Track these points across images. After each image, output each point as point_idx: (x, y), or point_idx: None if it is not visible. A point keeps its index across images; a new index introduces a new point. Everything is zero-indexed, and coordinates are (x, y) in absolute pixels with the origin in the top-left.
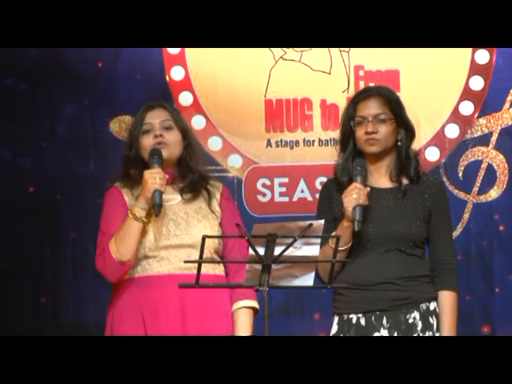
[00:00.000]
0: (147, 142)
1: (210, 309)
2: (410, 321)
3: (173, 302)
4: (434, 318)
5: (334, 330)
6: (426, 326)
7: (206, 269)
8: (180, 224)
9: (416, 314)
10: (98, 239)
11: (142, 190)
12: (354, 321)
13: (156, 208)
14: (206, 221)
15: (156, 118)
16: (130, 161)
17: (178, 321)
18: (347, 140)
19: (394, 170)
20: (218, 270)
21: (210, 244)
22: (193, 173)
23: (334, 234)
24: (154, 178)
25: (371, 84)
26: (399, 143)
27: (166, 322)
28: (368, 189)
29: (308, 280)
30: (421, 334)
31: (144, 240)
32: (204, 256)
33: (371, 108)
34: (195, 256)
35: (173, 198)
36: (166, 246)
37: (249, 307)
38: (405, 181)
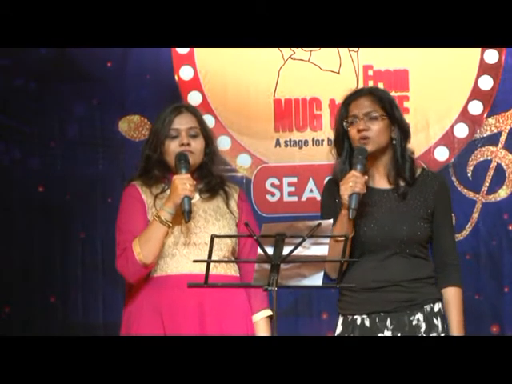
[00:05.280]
0: (173, 147)
1: (229, 309)
2: (414, 322)
3: (191, 302)
4: (438, 319)
5: (339, 330)
6: (430, 327)
7: (224, 270)
8: (199, 222)
9: (420, 316)
10: (117, 239)
11: (171, 194)
12: (359, 322)
13: (186, 215)
14: (225, 220)
15: (184, 124)
16: (152, 162)
17: (197, 321)
18: (341, 142)
19: (391, 171)
20: (235, 271)
21: (229, 243)
22: (214, 177)
23: (334, 227)
24: (184, 183)
25: (380, 84)
26: (394, 142)
27: (184, 322)
28: (366, 177)
29: (317, 280)
30: (424, 336)
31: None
32: (222, 256)
33: (362, 107)
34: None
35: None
36: (186, 243)
37: (267, 317)
38: (402, 182)
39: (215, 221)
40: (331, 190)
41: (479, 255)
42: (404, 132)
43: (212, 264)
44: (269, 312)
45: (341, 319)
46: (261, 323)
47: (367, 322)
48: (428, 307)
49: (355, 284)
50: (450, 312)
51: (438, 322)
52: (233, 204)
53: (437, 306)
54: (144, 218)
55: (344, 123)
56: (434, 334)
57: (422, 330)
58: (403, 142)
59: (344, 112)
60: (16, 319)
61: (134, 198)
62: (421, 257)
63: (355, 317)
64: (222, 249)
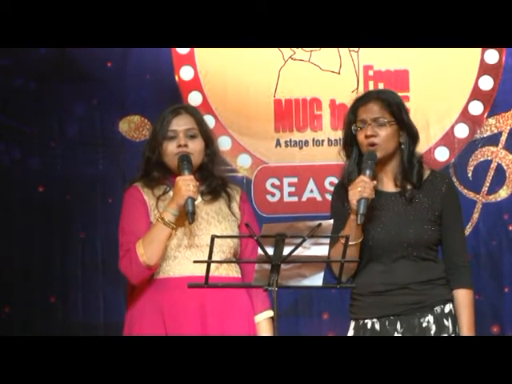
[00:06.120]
0: (171, 148)
1: (231, 310)
2: (424, 324)
3: (193, 304)
4: (448, 320)
5: (350, 334)
6: (441, 329)
7: (226, 271)
8: (201, 224)
9: (430, 318)
10: (120, 240)
11: (174, 196)
12: (369, 326)
13: (189, 216)
14: (227, 222)
15: (181, 125)
16: (151, 163)
17: (198, 321)
18: (350, 146)
19: (399, 174)
20: (236, 272)
21: (231, 245)
22: (215, 179)
23: (343, 231)
24: (187, 185)
25: (380, 84)
26: (402, 146)
27: (186, 322)
28: (374, 182)
29: (317, 280)
30: (425, 336)
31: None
32: (224, 258)
33: (371, 112)
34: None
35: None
36: (188, 245)
37: (269, 317)
38: (410, 185)
39: (217, 223)
40: (340, 193)
41: (479, 255)
42: (412, 136)
43: (214, 265)
44: (271, 313)
45: (352, 324)
46: (263, 324)
47: (377, 326)
48: (438, 308)
49: (363, 288)
50: (460, 314)
51: (448, 323)
52: (235, 206)
53: (447, 307)
54: (146, 219)
55: (352, 128)
56: (445, 335)
57: (432, 331)
58: (411, 147)
59: (352, 116)
60: (16, 319)
61: (136, 200)
62: (429, 259)
63: (366, 321)
64: (225, 251)
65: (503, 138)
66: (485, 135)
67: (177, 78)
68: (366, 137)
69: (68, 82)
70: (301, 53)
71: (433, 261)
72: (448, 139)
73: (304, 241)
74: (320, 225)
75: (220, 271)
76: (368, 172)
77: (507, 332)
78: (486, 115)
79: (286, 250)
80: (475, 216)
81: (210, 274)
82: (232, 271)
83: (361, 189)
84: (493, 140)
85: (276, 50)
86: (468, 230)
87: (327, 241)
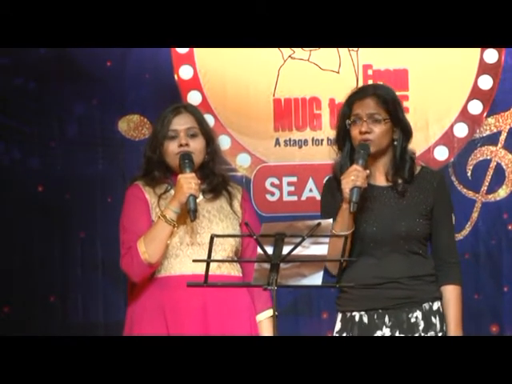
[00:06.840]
0: (172, 148)
1: (232, 309)
2: (412, 320)
3: (195, 303)
4: (436, 317)
5: (338, 327)
6: (428, 325)
7: (228, 270)
8: (202, 222)
9: (418, 314)
10: (122, 238)
11: (176, 193)
12: (357, 319)
13: (191, 214)
14: (228, 220)
15: (182, 124)
16: (152, 163)
17: (200, 320)
18: (342, 139)
19: (391, 170)
20: (238, 271)
21: (233, 244)
22: (216, 177)
23: (335, 222)
24: (189, 182)
25: (380, 83)
26: (395, 143)
27: (188, 321)
28: (367, 171)
29: (316, 279)
30: (422, 334)
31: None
32: (225, 256)
33: (366, 107)
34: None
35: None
36: (189, 243)
37: (271, 316)
38: (401, 180)
39: (219, 221)
40: (331, 187)
41: (479, 255)
42: (406, 133)
43: (215, 264)
44: (272, 312)
45: (339, 316)
46: (265, 323)
47: (365, 319)
48: (427, 305)
49: (354, 281)
50: (447, 310)
51: (436, 320)
52: (236, 204)
53: (435, 305)
54: (148, 217)
55: (347, 122)
56: (432, 333)
57: (421, 327)
58: (404, 143)
59: (347, 110)
60: (16, 319)
61: (138, 198)
62: (420, 254)
63: (354, 313)
64: (226, 249)
65: (502, 137)
66: (484, 134)
67: (176, 77)
68: (361, 133)
69: (68, 82)
70: (300, 52)
71: (423, 256)
72: (447, 138)
73: (303, 240)
74: (319, 224)
75: (222, 270)
76: (361, 161)
77: (506, 332)
78: (485, 114)
79: (286, 250)
80: (474, 215)
81: (212, 273)
82: (233, 270)
83: (354, 177)
84: (492, 139)
85: (275, 49)
86: (467, 230)
87: (326, 240)
